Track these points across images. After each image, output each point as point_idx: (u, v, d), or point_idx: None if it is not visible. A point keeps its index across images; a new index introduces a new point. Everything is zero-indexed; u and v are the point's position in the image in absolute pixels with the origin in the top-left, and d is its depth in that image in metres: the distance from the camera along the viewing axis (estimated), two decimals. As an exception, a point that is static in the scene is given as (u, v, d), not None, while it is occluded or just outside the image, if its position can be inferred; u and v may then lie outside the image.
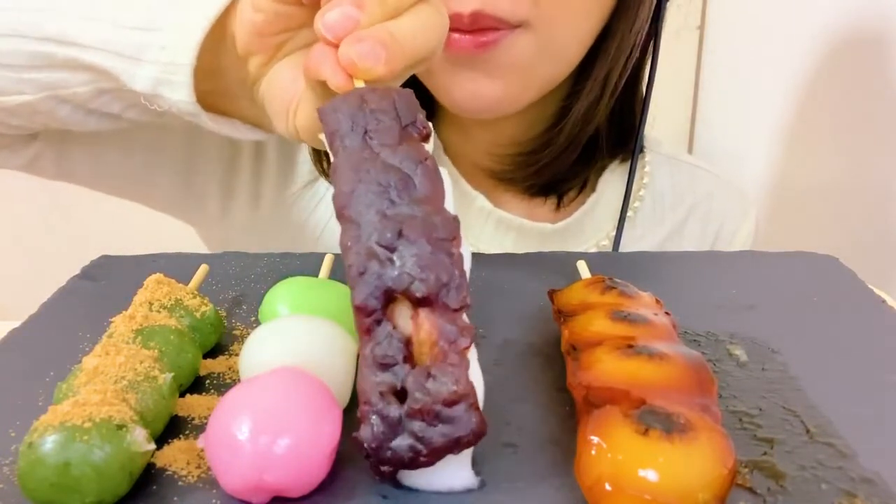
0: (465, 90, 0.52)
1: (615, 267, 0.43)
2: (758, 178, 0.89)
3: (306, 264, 0.44)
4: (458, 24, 0.48)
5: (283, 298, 0.36)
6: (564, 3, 0.50)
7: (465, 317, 0.27)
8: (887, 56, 0.66)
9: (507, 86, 0.52)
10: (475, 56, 0.50)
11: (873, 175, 0.68)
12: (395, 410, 0.26)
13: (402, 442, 0.26)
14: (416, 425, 0.26)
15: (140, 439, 0.27)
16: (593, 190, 0.63)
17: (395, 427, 0.26)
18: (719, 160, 1.01)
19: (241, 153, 0.62)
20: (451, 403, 0.26)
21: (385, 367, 0.26)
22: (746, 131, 0.95)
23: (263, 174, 0.63)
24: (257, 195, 0.63)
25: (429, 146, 0.30)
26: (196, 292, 0.38)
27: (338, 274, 0.40)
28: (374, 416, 0.26)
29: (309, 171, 0.63)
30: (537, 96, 0.55)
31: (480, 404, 0.27)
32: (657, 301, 0.36)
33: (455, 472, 0.28)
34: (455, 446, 0.26)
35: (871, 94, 0.68)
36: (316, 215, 0.63)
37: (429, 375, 0.26)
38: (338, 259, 0.42)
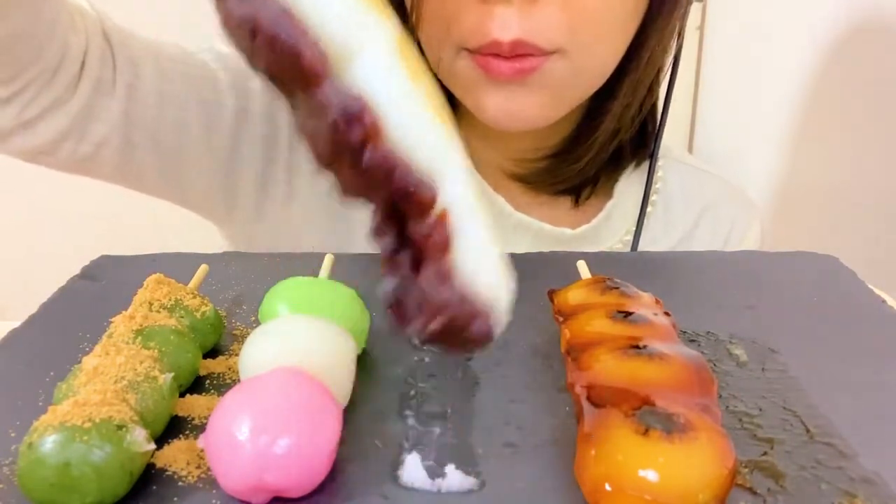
0: (500, 109, 0.53)
1: (615, 267, 0.43)
2: (758, 179, 0.89)
3: (306, 264, 0.44)
4: (498, 51, 0.49)
5: (283, 298, 0.36)
6: (598, 28, 0.51)
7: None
8: (888, 56, 0.66)
9: (543, 105, 0.53)
10: (512, 81, 0.51)
11: (873, 175, 0.68)
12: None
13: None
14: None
15: (140, 439, 0.27)
16: (610, 195, 0.63)
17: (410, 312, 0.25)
18: (719, 160, 1.01)
19: (279, 144, 0.61)
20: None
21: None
22: (746, 131, 0.95)
23: (296, 167, 0.62)
24: (291, 192, 0.63)
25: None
26: (196, 292, 0.38)
27: (338, 274, 0.40)
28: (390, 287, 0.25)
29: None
30: (568, 110, 0.56)
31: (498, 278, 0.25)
32: (657, 301, 0.36)
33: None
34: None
35: (871, 94, 0.68)
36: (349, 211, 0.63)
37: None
38: (338, 259, 0.42)
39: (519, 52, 0.49)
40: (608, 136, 0.58)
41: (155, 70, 0.55)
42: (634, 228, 0.62)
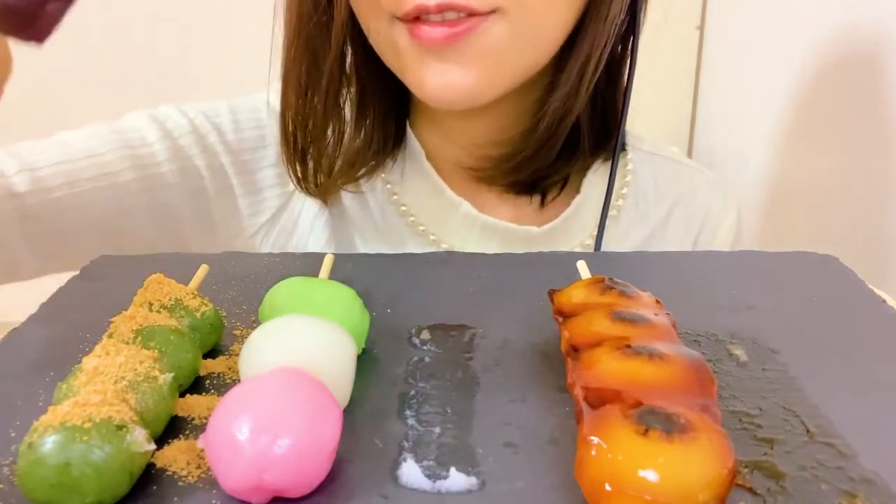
0: (436, 81, 0.51)
1: (615, 267, 0.43)
2: (758, 178, 0.89)
3: (306, 264, 0.44)
4: (425, 16, 0.48)
5: (283, 298, 0.36)
6: None
7: None
8: (887, 56, 0.66)
9: (480, 74, 0.51)
10: (447, 46, 0.49)
11: (873, 175, 0.68)
12: None
13: None
14: None
15: (140, 439, 0.27)
16: (577, 191, 0.63)
17: None
18: (719, 160, 1.01)
19: (207, 196, 0.61)
20: None
21: None
22: (746, 131, 0.95)
23: (231, 211, 0.62)
24: (235, 232, 0.63)
25: None
26: (196, 292, 0.38)
27: (338, 274, 0.40)
28: None
29: (278, 195, 0.63)
30: (511, 86, 0.54)
31: None
32: (657, 301, 0.36)
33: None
34: None
35: (871, 94, 0.68)
36: (294, 238, 0.63)
37: None
38: (338, 259, 0.42)
39: (448, 13, 0.47)
40: (557, 123, 0.56)
41: (57, 194, 0.55)
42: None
